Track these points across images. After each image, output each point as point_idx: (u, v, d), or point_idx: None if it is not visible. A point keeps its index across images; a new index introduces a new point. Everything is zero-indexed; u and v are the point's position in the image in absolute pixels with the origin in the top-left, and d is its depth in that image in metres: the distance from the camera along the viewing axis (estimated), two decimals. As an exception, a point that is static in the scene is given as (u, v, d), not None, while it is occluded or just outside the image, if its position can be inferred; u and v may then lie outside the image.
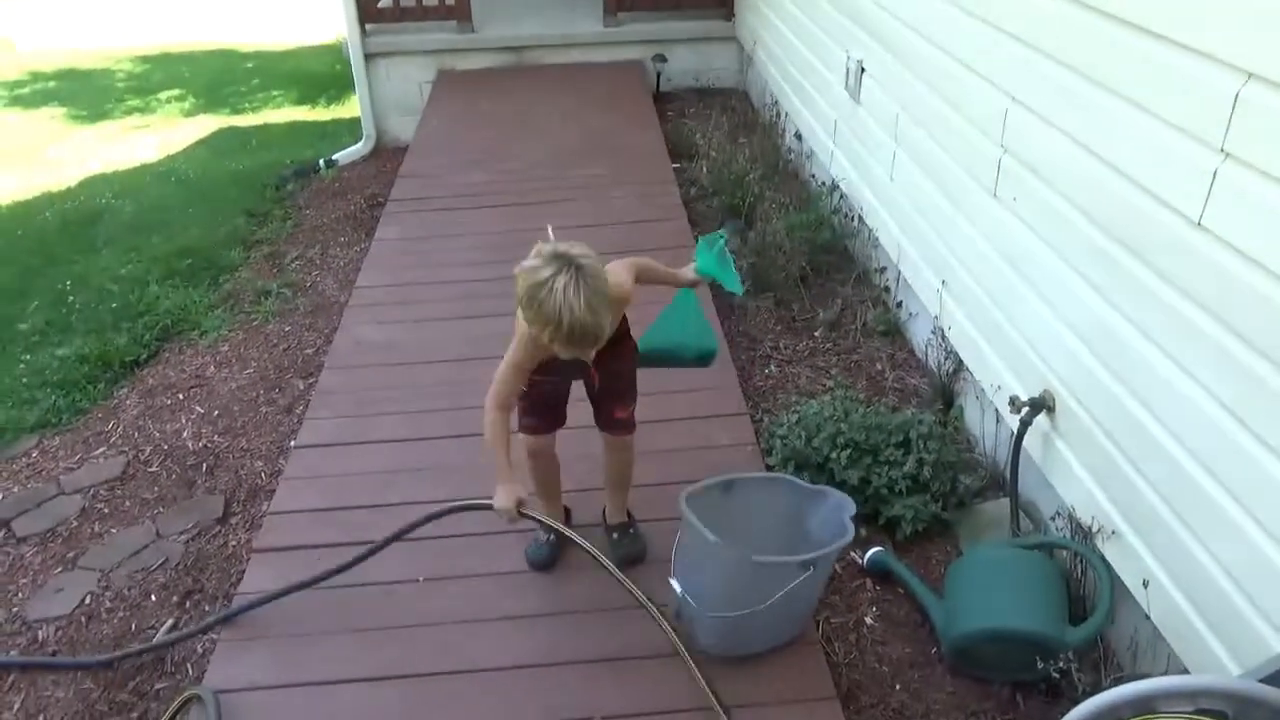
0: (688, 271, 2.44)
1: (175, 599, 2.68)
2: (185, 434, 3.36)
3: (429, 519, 2.37)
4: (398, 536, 2.39)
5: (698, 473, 2.74)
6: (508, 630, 2.37)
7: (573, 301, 1.87)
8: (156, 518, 2.99)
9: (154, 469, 3.21)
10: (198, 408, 3.50)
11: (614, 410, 2.43)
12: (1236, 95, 1.77)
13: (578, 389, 2.44)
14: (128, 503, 3.07)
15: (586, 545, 2.23)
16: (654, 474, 2.72)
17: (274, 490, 2.93)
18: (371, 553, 2.40)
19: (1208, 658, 1.93)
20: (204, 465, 3.21)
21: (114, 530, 2.95)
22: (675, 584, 2.20)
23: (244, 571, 2.62)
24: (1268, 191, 1.71)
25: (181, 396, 3.58)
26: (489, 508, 2.22)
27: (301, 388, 3.57)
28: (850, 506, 2.22)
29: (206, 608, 2.64)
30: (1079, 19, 2.27)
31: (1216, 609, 1.91)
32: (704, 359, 2.57)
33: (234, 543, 2.87)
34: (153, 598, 2.69)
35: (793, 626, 2.28)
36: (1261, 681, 1.47)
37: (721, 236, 2.43)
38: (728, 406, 3.13)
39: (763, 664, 2.24)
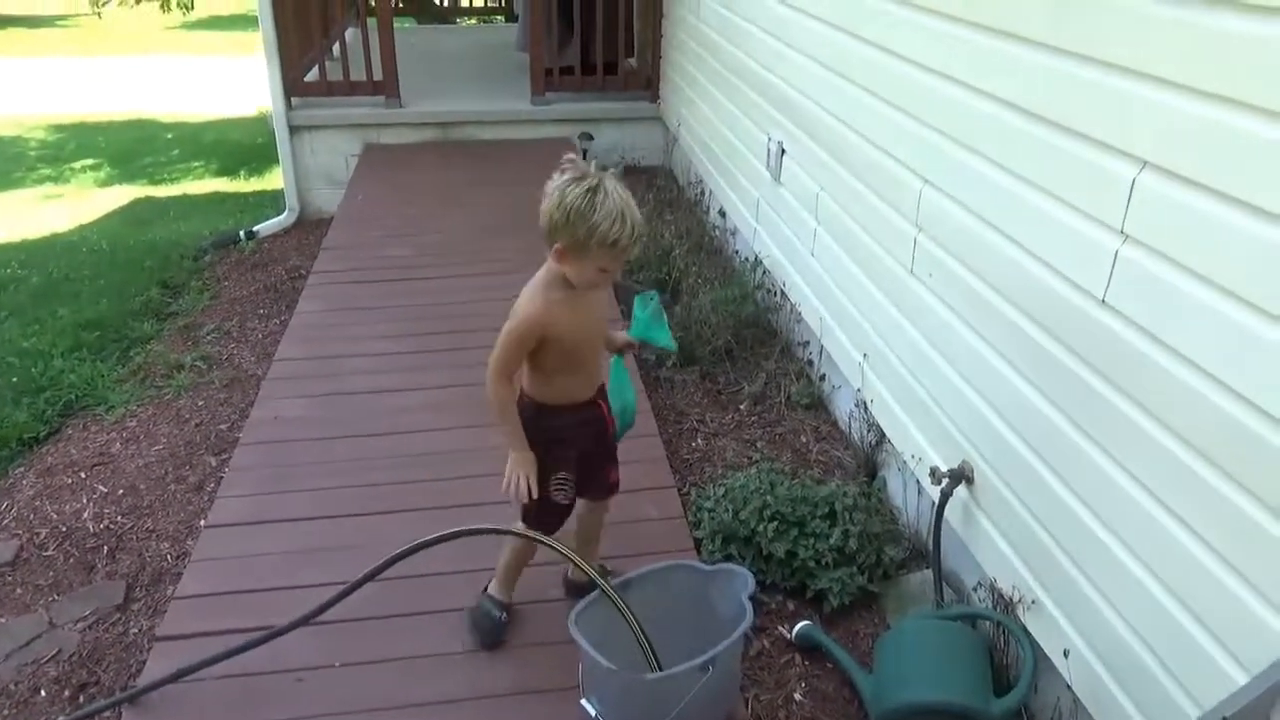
0: (621, 334, 2.42)
1: (68, 694, 2.50)
2: (86, 515, 3.19)
3: (426, 545, 2.17)
4: (388, 565, 2.20)
5: (629, 547, 2.73)
6: (426, 717, 2.27)
7: (629, 199, 1.95)
8: (50, 605, 2.81)
9: (50, 553, 3.02)
10: (101, 487, 3.34)
11: (611, 472, 2.38)
12: (1133, 181, 1.87)
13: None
14: (19, 590, 2.88)
15: (583, 566, 2.14)
16: (582, 550, 2.67)
17: (180, 573, 2.79)
18: (349, 590, 2.23)
19: (1128, 727, 1.96)
20: (105, 548, 3.04)
21: (2, 620, 2.76)
22: (588, 705, 2.13)
23: (144, 662, 2.47)
24: (1164, 271, 1.80)
25: (84, 475, 3.41)
26: (493, 531, 2.14)
27: (214, 464, 3.44)
28: (749, 585, 2.20)
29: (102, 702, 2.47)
30: (986, 110, 2.39)
31: (1133, 677, 1.94)
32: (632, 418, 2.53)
33: (135, 630, 2.71)
34: (43, 693, 2.51)
35: (718, 714, 2.22)
36: (1181, 750, 1.49)
37: (654, 295, 2.44)
38: (656, 480, 3.11)
39: (692, 746, 2.19)
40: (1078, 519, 2.09)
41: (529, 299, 2.11)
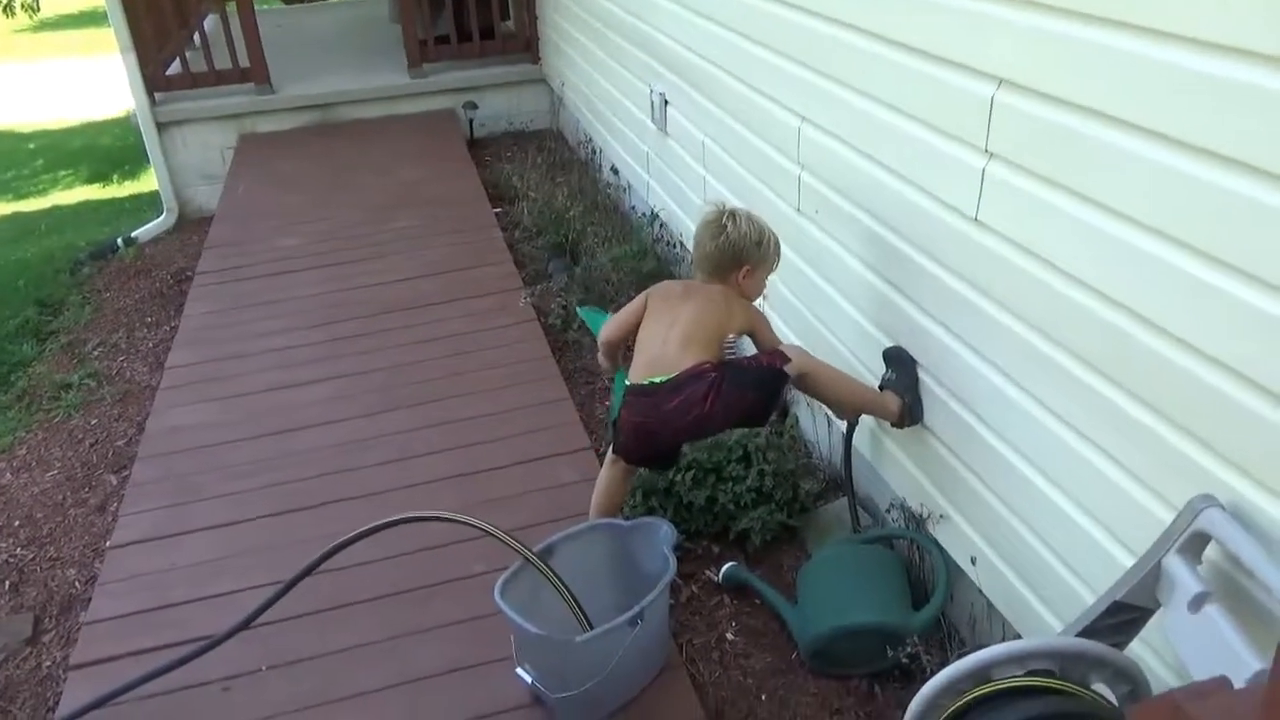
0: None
1: (-18, 737, 2.41)
2: (-19, 551, 3.05)
3: (371, 531, 2.15)
4: (330, 554, 2.17)
5: (549, 512, 2.74)
6: (361, 709, 2.25)
7: None
8: (-47, 649, 2.69)
9: (-54, 596, 2.89)
10: (-6, 520, 3.19)
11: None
12: (992, 99, 1.92)
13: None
14: (-83, 637, 2.74)
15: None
16: (509, 519, 2.65)
17: (90, 598, 2.69)
18: (290, 586, 2.21)
19: (1035, 620, 2.05)
20: (7, 582, 2.91)
21: (-98, 670, 2.63)
22: (523, 674, 2.14)
23: (61, 694, 2.39)
24: (1027, 185, 1.86)
25: (-26, 511, 3.25)
26: (437, 519, 2.17)
27: (114, 483, 3.31)
28: (670, 536, 2.24)
29: (20, 740, 2.38)
30: (848, 40, 2.41)
31: (1037, 574, 2.03)
32: None
33: (48, 663, 2.61)
34: (-46, 739, 2.41)
35: (653, 665, 2.26)
36: (1079, 635, 1.57)
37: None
38: (570, 443, 3.11)
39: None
40: (973, 431, 2.17)
41: (753, 306, 2.49)
